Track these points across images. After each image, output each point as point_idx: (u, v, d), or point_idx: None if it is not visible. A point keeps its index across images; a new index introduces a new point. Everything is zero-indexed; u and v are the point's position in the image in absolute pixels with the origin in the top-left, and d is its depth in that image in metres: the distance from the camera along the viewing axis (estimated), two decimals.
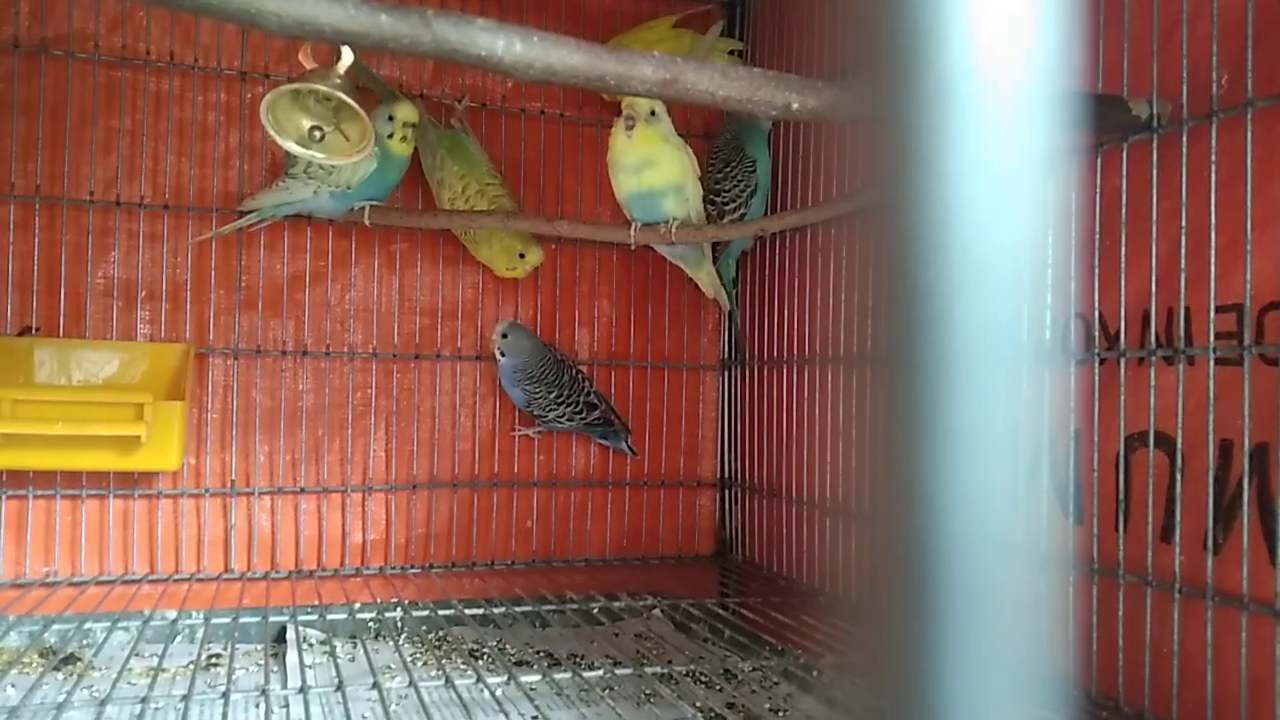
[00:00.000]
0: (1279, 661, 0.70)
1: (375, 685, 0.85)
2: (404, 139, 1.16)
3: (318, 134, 0.99)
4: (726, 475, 1.47)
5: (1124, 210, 0.84)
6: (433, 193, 1.28)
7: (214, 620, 1.07)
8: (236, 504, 1.23)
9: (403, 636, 1.13)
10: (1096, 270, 0.87)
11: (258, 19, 0.49)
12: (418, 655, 1.08)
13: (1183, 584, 0.78)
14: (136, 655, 0.98)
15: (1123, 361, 0.84)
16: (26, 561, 1.15)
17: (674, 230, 1.10)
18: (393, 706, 0.88)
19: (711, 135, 1.40)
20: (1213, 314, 0.76)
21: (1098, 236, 0.87)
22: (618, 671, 0.92)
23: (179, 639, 1.07)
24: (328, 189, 1.14)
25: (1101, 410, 0.86)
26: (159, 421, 1.07)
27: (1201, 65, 0.78)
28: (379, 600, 1.16)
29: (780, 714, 0.87)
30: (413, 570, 1.29)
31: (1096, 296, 0.87)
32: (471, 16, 0.53)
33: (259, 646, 1.10)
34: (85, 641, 1.06)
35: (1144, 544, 0.81)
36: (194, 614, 1.10)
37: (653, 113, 1.13)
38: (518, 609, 1.13)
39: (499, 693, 0.87)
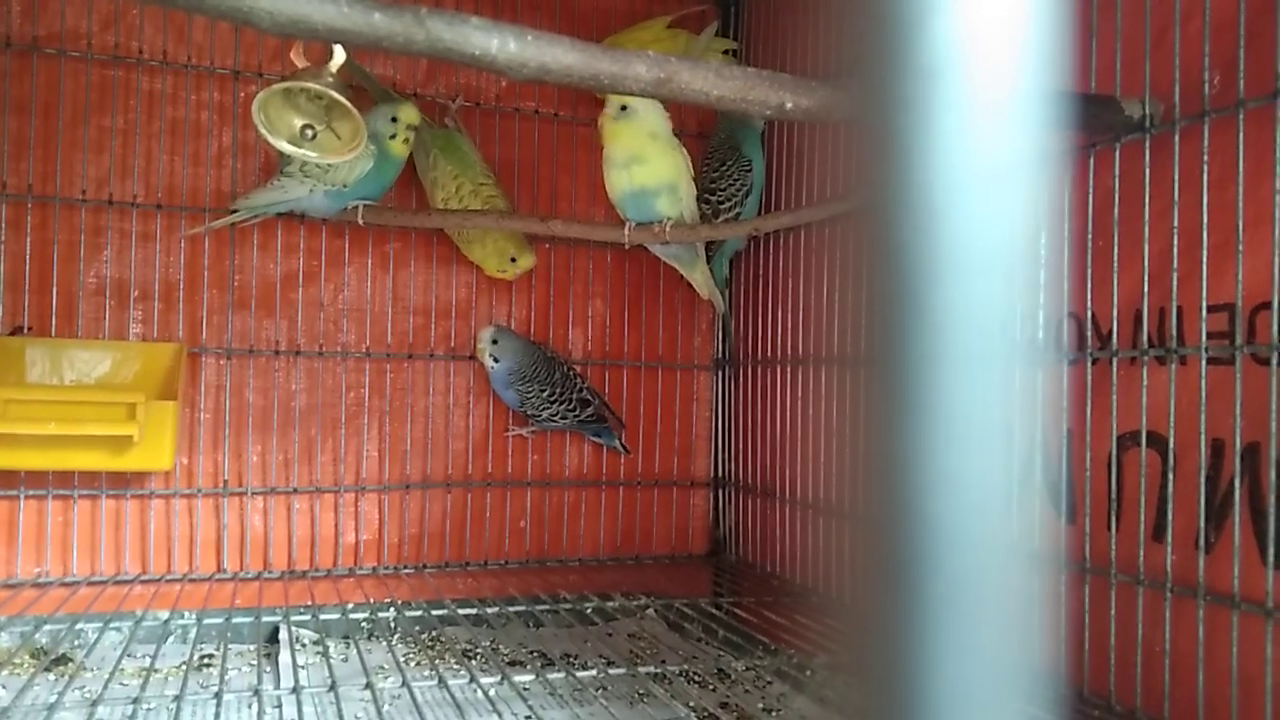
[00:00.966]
0: (1270, 661, 0.70)
1: (368, 685, 0.85)
2: (405, 141, 1.16)
3: (310, 132, 0.99)
4: (720, 475, 1.47)
5: (1116, 210, 0.84)
6: (426, 192, 1.28)
7: (206, 620, 1.07)
8: (229, 504, 1.23)
9: (396, 637, 1.13)
10: (1089, 270, 0.87)
11: (250, 16, 0.49)
12: (411, 655, 1.07)
13: (1174, 583, 0.78)
14: (129, 656, 0.98)
15: (1115, 361, 0.84)
16: (18, 562, 1.14)
17: (668, 230, 1.10)
18: (385, 707, 0.88)
19: (706, 135, 1.40)
20: (1205, 314, 0.77)
21: (1090, 236, 0.87)
22: (611, 671, 0.92)
23: (171, 639, 1.07)
24: (323, 188, 1.14)
25: (1094, 409, 0.86)
26: (151, 421, 1.07)
27: (1194, 65, 0.78)
28: (372, 600, 1.16)
29: (774, 713, 0.87)
30: (406, 570, 1.29)
31: (1089, 296, 0.87)
32: (465, 15, 0.53)
33: (251, 647, 1.10)
34: (77, 642, 1.06)
35: (1136, 543, 0.81)
36: (186, 614, 1.10)
37: (623, 108, 1.13)
38: (511, 609, 1.13)
39: (492, 693, 0.87)
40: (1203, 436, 0.76)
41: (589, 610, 1.13)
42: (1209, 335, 0.77)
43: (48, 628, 1.04)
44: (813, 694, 0.90)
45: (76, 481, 1.16)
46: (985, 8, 0.20)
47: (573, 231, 1.16)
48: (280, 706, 0.87)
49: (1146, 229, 0.81)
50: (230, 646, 1.05)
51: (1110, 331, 0.85)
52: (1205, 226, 0.77)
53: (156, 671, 0.97)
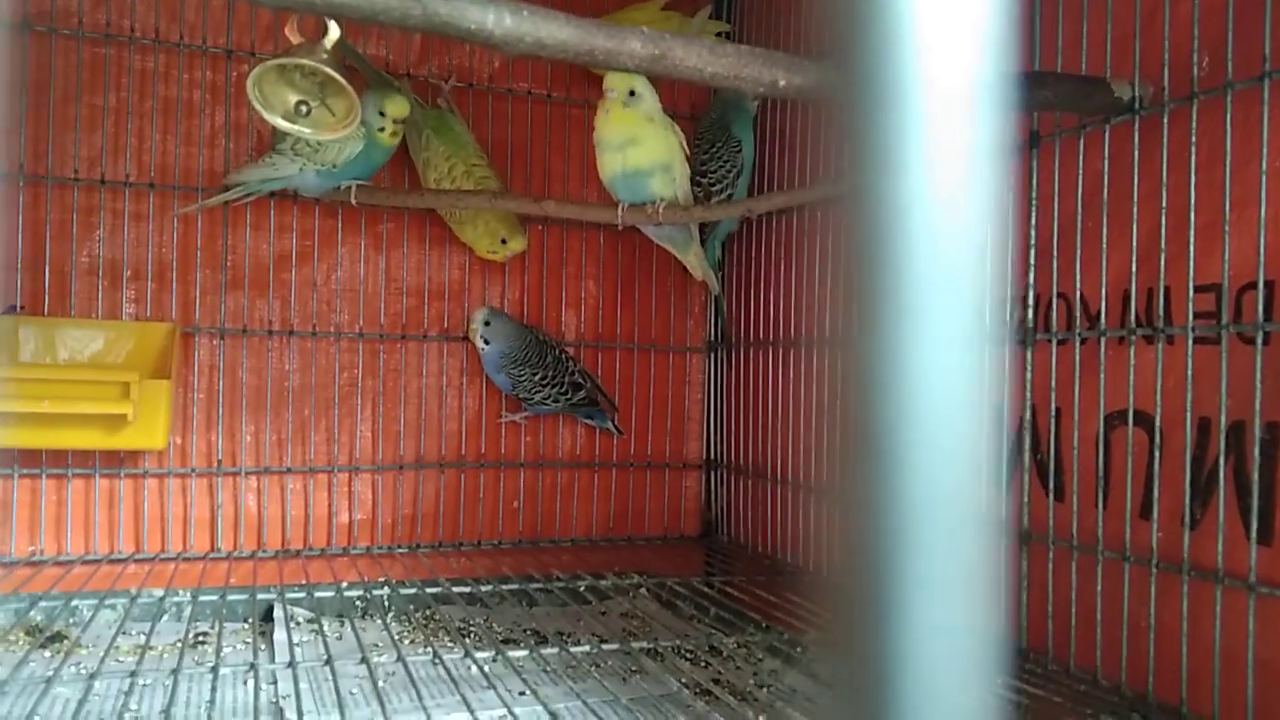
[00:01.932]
0: (1253, 634, 0.71)
1: (364, 660, 0.85)
2: (393, 134, 1.16)
3: (304, 109, 0.99)
4: (712, 456, 1.48)
5: (1105, 191, 0.85)
6: (418, 173, 1.28)
7: (201, 598, 1.07)
8: (223, 484, 1.23)
9: (390, 615, 1.13)
10: (1079, 250, 0.88)
11: None
12: (405, 634, 1.08)
13: (1160, 559, 0.79)
14: (124, 633, 0.98)
15: (1103, 341, 0.85)
16: (12, 540, 1.15)
17: (661, 211, 1.11)
18: (381, 683, 0.89)
19: (697, 116, 1.41)
20: (1192, 294, 0.78)
21: (1080, 217, 0.88)
22: (604, 647, 0.93)
23: (166, 617, 1.07)
24: (314, 167, 1.14)
25: (1082, 389, 0.87)
26: (145, 400, 1.07)
27: (1183, 47, 0.79)
28: (366, 579, 1.16)
29: (765, 689, 0.88)
30: (400, 550, 1.30)
31: (1078, 276, 0.88)
32: None
33: (246, 624, 1.10)
34: (72, 620, 1.06)
35: (1123, 521, 0.82)
36: (181, 593, 1.10)
37: (632, 93, 1.13)
38: (505, 587, 1.14)
39: (487, 668, 0.88)
40: (1189, 415, 0.77)
41: (582, 588, 1.14)
42: (1196, 315, 0.78)
43: (42, 605, 1.04)
44: (804, 669, 0.91)
45: (70, 461, 1.17)
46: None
47: (566, 212, 1.17)
48: (276, 683, 0.88)
49: (1135, 210, 0.82)
50: (225, 624, 1.06)
51: (1099, 312, 0.86)
52: (1193, 207, 0.77)
53: (152, 649, 0.97)
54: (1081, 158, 0.88)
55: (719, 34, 1.40)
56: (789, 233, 1.30)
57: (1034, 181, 0.92)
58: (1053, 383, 0.90)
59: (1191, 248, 0.77)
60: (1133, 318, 0.83)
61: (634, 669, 0.92)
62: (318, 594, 1.10)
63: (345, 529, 1.29)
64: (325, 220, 1.28)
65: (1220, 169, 0.75)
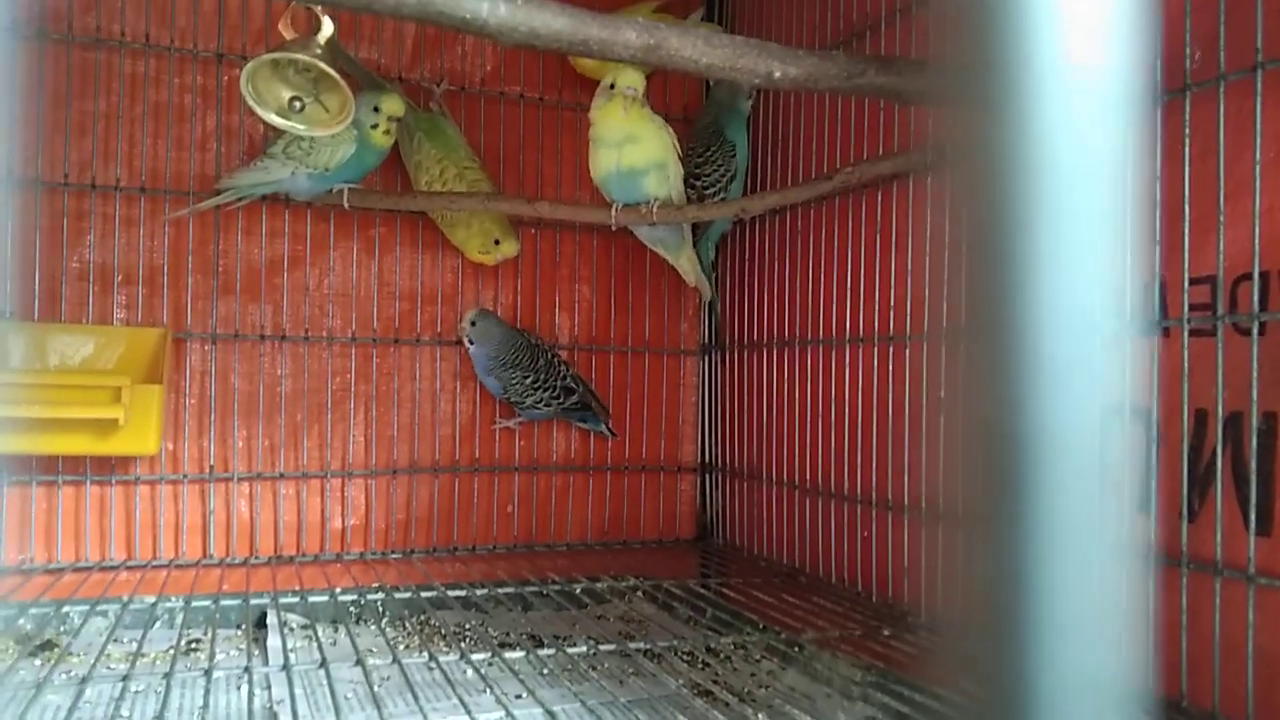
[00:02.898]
0: (1252, 625, 0.71)
1: (359, 663, 0.85)
2: (387, 131, 1.16)
3: (298, 104, 0.99)
4: (707, 459, 1.47)
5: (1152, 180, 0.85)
6: (410, 176, 1.27)
7: (194, 604, 1.06)
8: (215, 490, 1.22)
9: (385, 620, 1.12)
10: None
11: None
12: (400, 639, 1.07)
13: (1159, 553, 0.79)
14: (115, 641, 0.97)
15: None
16: (1, 548, 1.14)
17: (655, 210, 1.10)
18: (376, 687, 0.88)
19: (690, 119, 1.41)
20: (1187, 285, 0.78)
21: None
22: (602, 648, 0.92)
23: (158, 624, 1.06)
24: (306, 170, 1.13)
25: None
26: (137, 405, 1.06)
27: (1175, 41, 0.79)
28: (360, 585, 1.16)
29: (765, 689, 0.87)
30: (394, 555, 1.29)
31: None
32: None
33: (239, 631, 1.09)
34: (62, 628, 1.05)
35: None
36: (173, 599, 1.09)
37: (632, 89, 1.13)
38: (500, 590, 1.13)
39: (483, 671, 0.87)
40: (1185, 407, 0.77)
41: (578, 591, 1.13)
42: (1191, 307, 0.77)
43: (32, 612, 1.03)
44: (802, 669, 0.90)
45: (61, 467, 1.16)
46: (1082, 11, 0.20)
47: (559, 213, 1.16)
48: (270, 687, 0.87)
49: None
50: (218, 631, 1.04)
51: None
52: (1188, 200, 0.78)
53: (144, 656, 0.96)
54: None
55: None
56: (782, 233, 1.30)
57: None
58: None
59: (1186, 240, 0.78)
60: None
61: (632, 671, 0.91)
62: (311, 599, 1.09)
63: (339, 534, 1.28)
64: (317, 224, 1.28)
65: (1214, 161, 0.76)
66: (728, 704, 0.78)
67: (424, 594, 1.11)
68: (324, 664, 0.84)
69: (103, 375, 1.12)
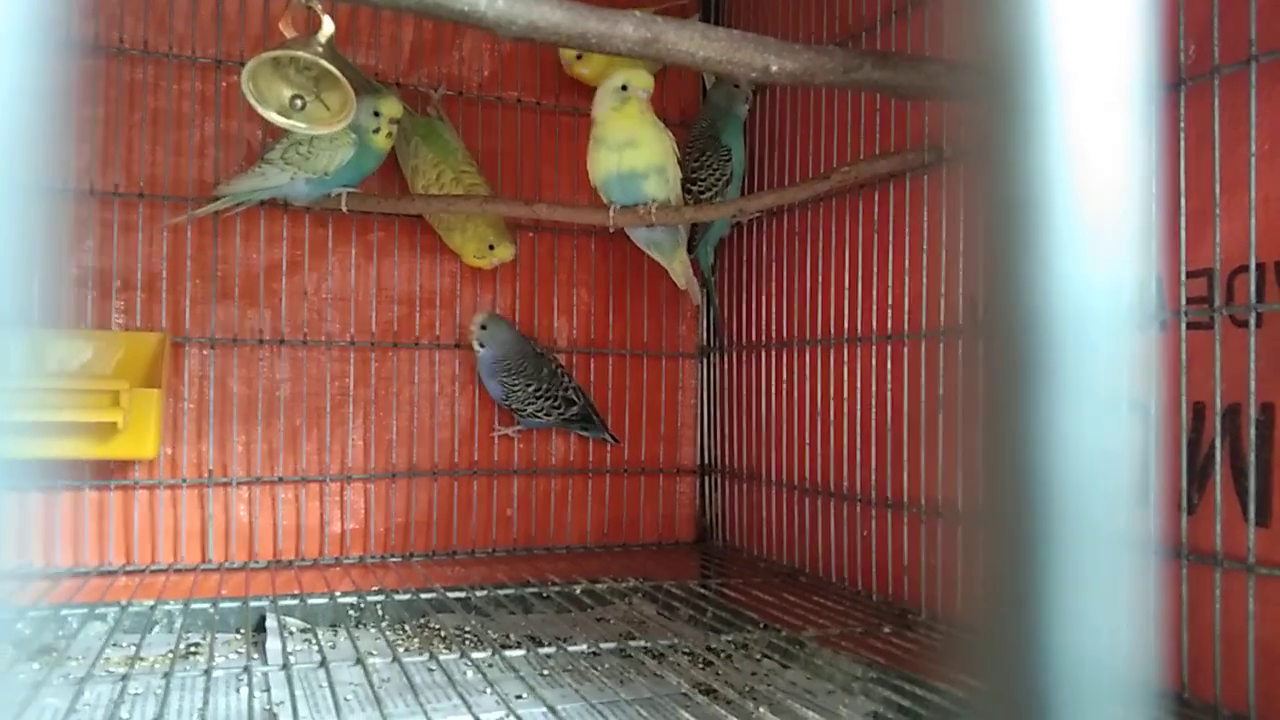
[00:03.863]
0: (1253, 616, 0.71)
1: (359, 662, 0.84)
2: (388, 135, 1.17)
3: (299, 103, 0.99)
4: (706, 461, 1.47)
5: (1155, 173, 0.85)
6: (407, 180, 1.28)
7: (193, 607, 1.06)
8: (214, 494, 1.22)
9: (385, 623, 1.12)
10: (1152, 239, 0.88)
11: None
12: (400, 641, 1.07)
13: (1158, 545, 0.79)
14: (114, 645, 0.97)
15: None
16: (2, 553, 1.13)
17: (654, 211, 1.11)
18: (377, 688, 0.87)
19: (688, 123, 1.41)
20: (1184, 279, 0.78)
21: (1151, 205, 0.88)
22: (603, 646, 0.92)
23: (157, 629, 1.06)
24: (304, 175, 1.14)
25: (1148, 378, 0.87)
26: (136, 409, 1.06)
27: (1169, 36, 0.79)
28: (360, 589, 1.15)
29: (768, 686, 0.87)
30: (393, 559, 1.29)
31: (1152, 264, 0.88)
32: None
33: (239, 635, 1.09)
34: (61, 632, 1.05)
35: None
36: (171, 603, 1.09)
37: (623, 88, 1.14)
38: (501, 593, 1.13)
39: (485, 671, 0.87)
40: (1184, 400, 0.77)
41: (578, 592, 1.13)
42: (1188, 300, 0.78)
43: (30, 617, 1.02)
44: (804, 666, 0.90)
45: (60, 472, 1.15)
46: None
47: (558, 214, 1.17)
48: (269, 689, 0.87)
49: None
50: (217, 635, 1.04)
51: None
52: (1183, 193, 0.78)
53: (142, 659, 0.96)
54: None
55: None
56: (779, 235, 1.31)
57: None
58: None
59: (1183, 234, 0.78)
60: None
61: (633, 669, 0.91)
62: (311, 602, 1.08)
63: (338, 539, 1.28)
64: (316, 229, 1.28)
65: (1210, 154, 0.76)
66: (730, 701, 0.78)
67: (424, 596, 1.11)
68: (324, 663, 0.84)
69: (101, 379, 1.12)
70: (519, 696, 0.84)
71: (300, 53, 0.92)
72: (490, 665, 0.90)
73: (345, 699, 0.87)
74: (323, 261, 1.29)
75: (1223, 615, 0.74)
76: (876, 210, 1.11)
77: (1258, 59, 0.73)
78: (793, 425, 1.27)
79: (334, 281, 1.29)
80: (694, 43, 0.58)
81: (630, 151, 1.12)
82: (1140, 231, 0.20)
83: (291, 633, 1.08)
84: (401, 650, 1.02)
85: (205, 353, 1.23)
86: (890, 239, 1.09)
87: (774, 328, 1.31)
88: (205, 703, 0.79)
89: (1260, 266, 0.73)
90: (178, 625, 1.05)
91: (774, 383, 1.31)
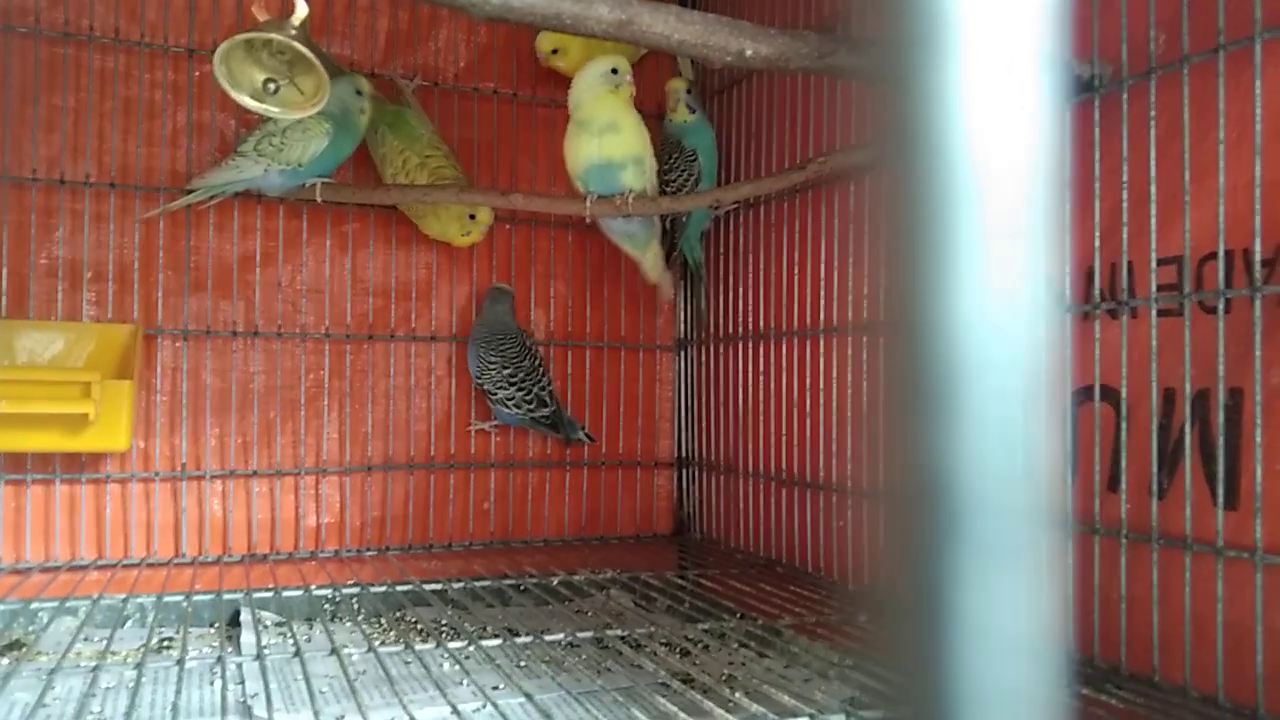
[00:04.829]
0: (1221, 598, 0.72)
1: (334, 652, 0.84)
2: (365, 111, 1.17)
3: (271, 86, 0.98)
4: (683, 454, 1.47)
5: (1068, 170, 0.86)
6: (378, 172, 1.27)
7: (165, 600, 1.05)
8: (187, 488, 1.21)
9: (361, 616, 1.11)
10: (1056, 229, 0.88)
11: None
12: (377, 635, 1.06)
13: (1129, 530, 0.80)
14: (85, 639, 0.96)
15: (1068, 318, 0.86)
16: None
17: (630, 202, 1.11)
18: (354, 681, 0.87)
19: (663, 115, 1.41)
20: (1154, 266, 0.79)
21: (1056, 196, 0.88)
22: (579, 635, 0.92)
23: (129, 623, 1.05)
24: (278, 167, 1.13)
25: (1049, 366, 0.88)
26: (107, 401, 1.05)
27: (1140, 26, 0.80)
28: (336, 582, 1.15)
29: (743, 675, 0.87)
30: (369, 553, 1.28)
31: (1056, 255, 0.89)
32: None
33: (212, 629, 1.08)
34: (30, 627, 1.03)
35: (1092, 494, 0.83)
36: (144, 597, 1.08)
37: (614, 71, 1.13)
38: (478, 584, 1.12)
39: (461, 663, 0.87)
40: (1154, 386, 0.78)
41: (555, 583, 1.13)
42: (1159, 288, 0.79)
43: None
44: (781, 654, 0.90)
45: (30, 465, 1.14)
46: None
47: (533, 205, 1.16)
48: (244, 681, 0.86)
49: (1097, 187, 0.83)
50: (190, 629, 1.03)
51: (1061, 291, 0.87)
52: (1154, 182, 0.79)
53: (114, 654, 0.95)
54: None
55: None
56: (756, 228, 1.31)
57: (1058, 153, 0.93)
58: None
59: (1153, 221, 0.79)
60: (1097, 293, 0.84)
61: (611, 658, 0.91)
62: (286, 595, 1.08)
63: (313, 532, 1.27)
64: (290, 221, 1.27)
65: (1179, 143, 0.77)
66: (708, 688, 0.78)
67: (400, 589, 1.11)
68: (299, 652, 0.83)
69: (72, 371, 1.11)
70: (495, 687, 0.83)
71: (274, 35, 0.91)
72: (468, 657, 0.90)
73: (320, 691, 0.86)
74: (297, 253, 1.28)
75: (1192, 598, 0.74)
76: (853, 202, 1.11)
77: (1225, 48, 0.73)
78: (770, 417, 1.28)
79: (308, 273, 1.28)
80: (669, 25, 0.58)
81: (611, 138, 1.12)
82: (1046, 223, 0.20)
83: (266, 626, 1.07)
84: (378, 643, 1.02)
85: (178, 345, 1.22)
86: (866, 231, 1.10)
87: (751, 320, 1.32)
88: (178, 695, 0.79)
89: (1229, 253, 0.74)
90: (150, 619, 1.04)
91: (751, 375, 1.32)
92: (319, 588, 1.11)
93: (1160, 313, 0.78)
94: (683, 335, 1.48)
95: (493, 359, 1.27)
